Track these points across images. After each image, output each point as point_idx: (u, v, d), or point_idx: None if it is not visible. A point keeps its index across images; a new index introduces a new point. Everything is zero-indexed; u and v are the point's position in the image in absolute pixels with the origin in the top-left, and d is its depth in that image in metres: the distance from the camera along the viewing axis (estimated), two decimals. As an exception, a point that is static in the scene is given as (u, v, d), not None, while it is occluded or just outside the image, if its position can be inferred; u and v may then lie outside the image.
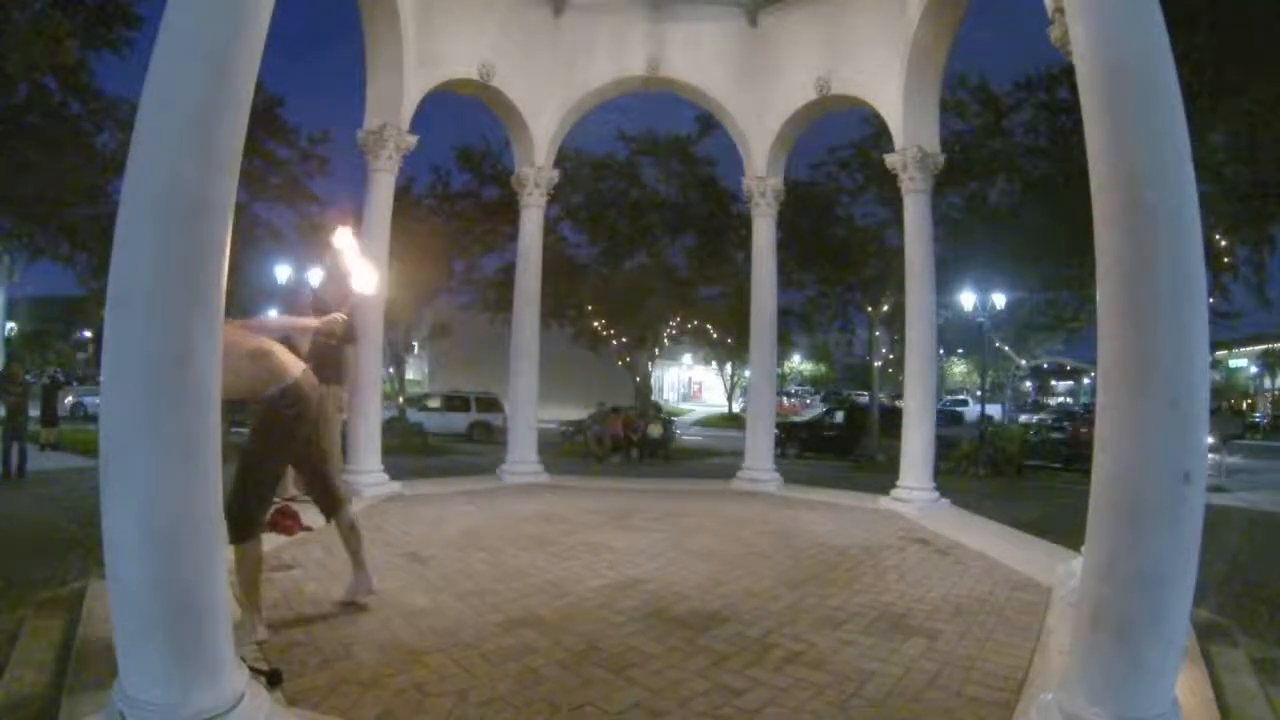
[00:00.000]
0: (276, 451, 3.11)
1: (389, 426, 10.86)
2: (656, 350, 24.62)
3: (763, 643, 3.13)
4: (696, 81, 8.15)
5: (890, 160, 7.06)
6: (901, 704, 2.56)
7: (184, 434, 1.97)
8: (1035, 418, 23.78)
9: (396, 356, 18.44)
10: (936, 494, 6.77)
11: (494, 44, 7.54)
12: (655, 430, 15.74)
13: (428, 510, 6.04)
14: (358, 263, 3.58)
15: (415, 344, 24.75)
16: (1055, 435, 15.65)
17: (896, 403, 17.36)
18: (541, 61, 7.90)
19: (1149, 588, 2.07)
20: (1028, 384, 42.71)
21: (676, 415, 26.51)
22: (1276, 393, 40.59)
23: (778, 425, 11.95)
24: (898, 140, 6.95)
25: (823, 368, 48.15)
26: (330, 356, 6.26)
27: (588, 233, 18.48)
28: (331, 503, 3.45)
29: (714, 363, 37.35)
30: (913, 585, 4.13)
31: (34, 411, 12.08)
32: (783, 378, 40.67)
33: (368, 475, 6.67)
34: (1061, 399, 44.87)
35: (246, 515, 2.94)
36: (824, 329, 21.91)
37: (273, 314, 5.85)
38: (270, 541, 4.59)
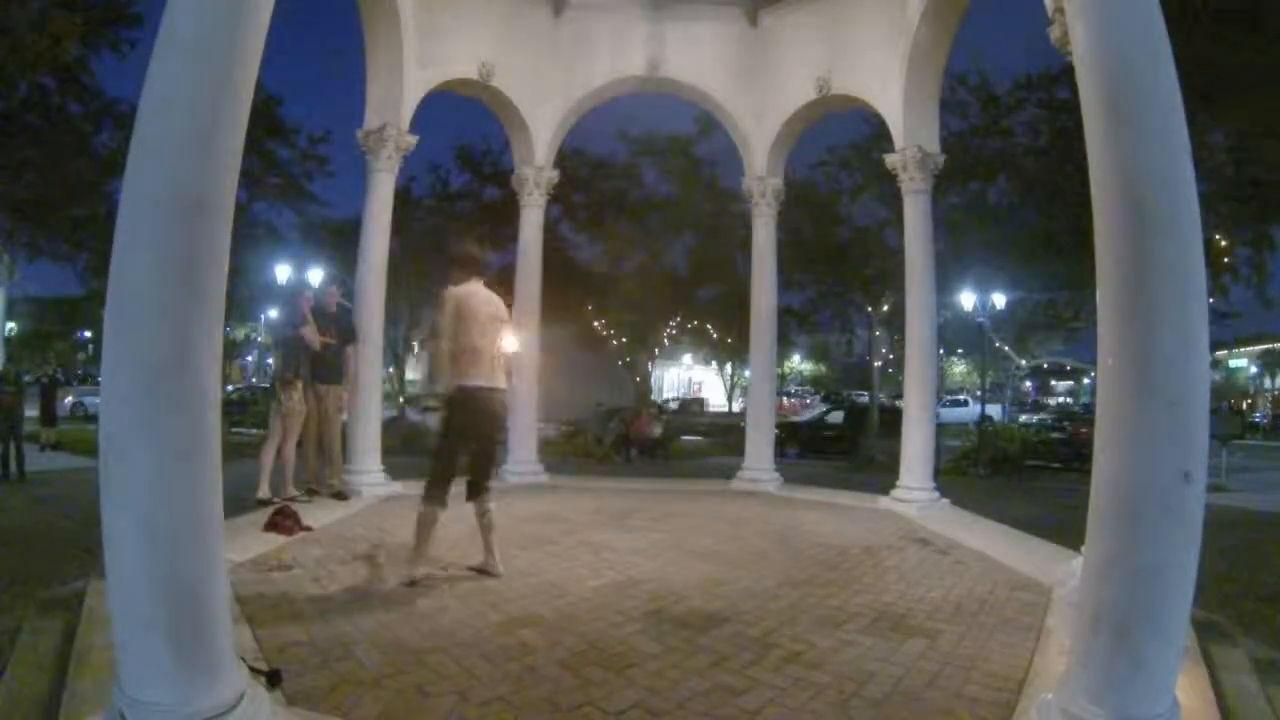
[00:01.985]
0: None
1: (389, 426, 10.86)
2: (656, 350, 24.61)
3: (763, 643, 3.13)
4: (696, 81, 8.14)
5: (890, 160, 7.06)
6: (901, 704, 2.56)
7: (184, 434, 1.97)
8: (1035, 418, 23.76)
9: (396, 356, 18.44)
10: (936, 494, 6.77)
11: (494, 44, 7.54)
12: (655, 430, 15.74)
13: (428, 510, 6.02)
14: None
15: (415, 344, 24.73)
16: (1055, 435, 15.64)
17: (896, 403, 17.36)
18: (541, 61, 7.90)
19: (1149, 587, 2.07)
20: (1028, 384, 42.70)
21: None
22: (1276, 393, 40.60)
23: (778, 425, 11.95)
24: (898, 140, 6.94)
25: (823, 368, 48.14)
26: (331, 356, 6.28)
27: (588, 233, 18.50)
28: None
29: (714, 363, 37.34)
30: (913, 585, 4.13)
31: (32, 411, 12.09)
32: (783, 378, 40.66)
33: (368, 475, 6.67)
34: (1061, 399, 44.84)
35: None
36: (824, 329, 21.91)
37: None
38: (270, 542, 4.62)
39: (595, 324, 21.77)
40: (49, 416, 13.12)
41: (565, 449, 15.76)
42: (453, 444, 4.00)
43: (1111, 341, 2.18)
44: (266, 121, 12.87)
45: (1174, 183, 2.14)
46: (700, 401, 34.37)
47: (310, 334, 5.97)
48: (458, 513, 5.61)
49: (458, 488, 4.07)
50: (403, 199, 12.30)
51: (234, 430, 14.69)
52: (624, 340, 22.33)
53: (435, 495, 3.94)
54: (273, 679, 2.47)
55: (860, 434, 16.66)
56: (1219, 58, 6.94)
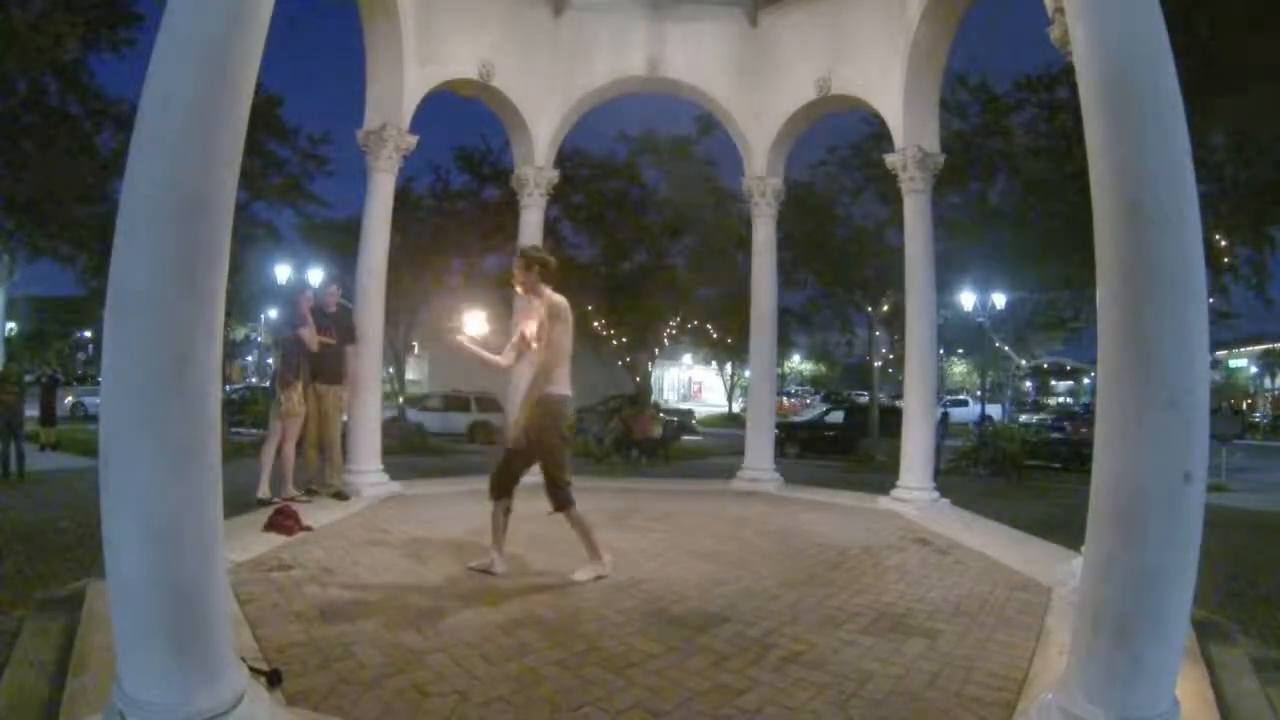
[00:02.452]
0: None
1: (389, 426, 10.86)
2: (656, 350, 24.61)
3: (763, 643, 3.12)
4: (696, 82, 8.14)
5: (890, 160, 7.06)
6: (901, 704, 2.56)
7: (184, 434, 1.97)
8: (1035, 418, 23.76)
9: (396, 356, 18.45)
10: (936, 494, 6.77)
11: (494, 44, 7.54)
12: (655, 430, 15.75)
13: (428, 510, 6.04)
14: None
15: (415, 344, 24.70)
16: (1055, 435, 15.65)
17: (896, 402, 17.36)
18: (541, 61, 7.90)
19: (1149, 587, 2.07)
20: (1028, 384, 42.70)
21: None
22: (1276, 393, 40.60)
23: (778, 425, 11.96)
24: (898, 140, 6.94)
25: (823, 368, 48.16)
26: (331, 356, 6.28)
27: (588, 233, 18.49)
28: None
29: (714, 363, 37.35)
30: (913, 585, 4.13)
31: (32, 411, 12.10)
32: (783, 378, 40.69)
33: (368, 475, 6.66)
34: (1061, 399, 44.84)
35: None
36: (824, 329, 21.92)
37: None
38: (270, 542, 4.62)
39: (595, 324, 21.76)
40: (49, 416, 13.12)
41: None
42: (564, 447, 4.30)
43: (1111, 342, 2.18)
44: (266, 121, 12.87)
45: (1174, 182, 2.14)
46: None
47: (309, 335, 5.96)
48: (458, 511, 5.63)
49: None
50: (403, 199, 12.30)
51: (234, 430, 14.69)
52: (624, 340, 22.32)
53: (570, 495, 4.22)
54: (273, 679, 2.47)
55: (860, 434, 16.67)
56: (1219, 56, 6.95)
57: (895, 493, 6.84)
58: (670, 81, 8.20)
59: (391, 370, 17.96)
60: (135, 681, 1.92)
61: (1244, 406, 35.41)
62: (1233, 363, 42.59)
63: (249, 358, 35.94)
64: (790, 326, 20.55)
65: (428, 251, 16.24)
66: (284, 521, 4.92)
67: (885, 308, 17.24)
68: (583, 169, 16.37)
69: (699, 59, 8.09)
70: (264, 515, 5.05)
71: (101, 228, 10.75)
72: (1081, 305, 15.09)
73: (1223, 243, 10.74)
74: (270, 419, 6.10)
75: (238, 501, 5.30)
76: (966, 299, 16.20)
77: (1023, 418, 24.44)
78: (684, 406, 32.95)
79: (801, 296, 19.03)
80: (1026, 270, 14.87)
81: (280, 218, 15.81)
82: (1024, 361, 25.79)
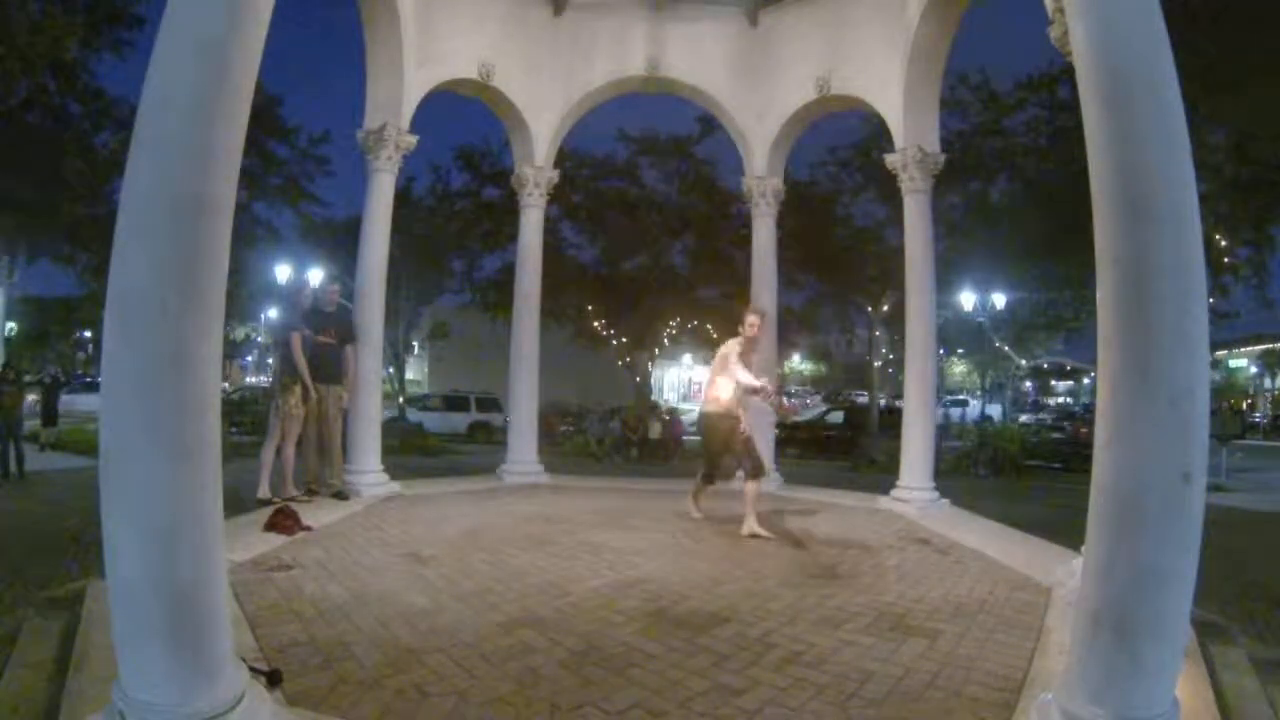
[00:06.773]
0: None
1: (389, 426, 10.85)
2: (656, 350, 24.59)
3: (763, 643, 3.13)
4: (696, 81, 8.14)
5: (890, 160, 7.05)
6: (901, 704, 2.56)
7: (184, 434, 1.97)
8: (1035, 417, 23.75)
9: (396, 356, 18.45)
10: (936, 494, 6.76)
11: (494, 44, 7.54)
12: (655, 430, 15.76)
13: (427, 510, 6.04)
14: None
15: (415, 344, 24.71)
16: (1055, 435, 15.64)
17: (896, 403, 17.35)
18: (542, 61, 7.90)
19: (1149, 588, 2.07)
20: (1028, 384, 42.69)
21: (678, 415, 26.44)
22: (1276, 393, 40.60)
23: (778, 425, 11.95)
24: (898, 140, 6.94)
25: (823, 368, 48.15)
26: (330, 356, 6.28)
27: (588, 233, 18.49)
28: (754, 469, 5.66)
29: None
30: (913, 585, 4.13)
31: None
32: (783, 378, 40.65)
33: (368, 475, 6.67)
34: (1061, 399, 44.84)
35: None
36: (824, 329, 21.89)
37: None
38: (270, 542, 4.62)
39: (595, 324, 21.76)
40: (50, 416, 13.12)
41: (565, 449, 15.76)
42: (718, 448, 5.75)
43: (1111, 341, 2.18)
44: (266, 121, 12.88)
45: (1174, 182, 2.14)
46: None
47: (296, 343, 5.94)
48: (457, 510, 5.61)
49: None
50: (403, 199, 12.31)
51: (233, 430, 14.68)
52: (624, 340, 22.32)
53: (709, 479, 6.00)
54: (273, 679, 2.47)
55: (860, 434, 16.66)
56: (1220, 55, 6.95)
57: (895, 493, 6.84)
58: (670, 81, 8.20)
59: (391, 370, 17.95)
60: (135, 681, 1.92)
61: (1244, 406, 35.37)
62: (1233, 363, 42.58)
63: (249, 358, 35.93)
64: (790, 326, 20.53)
65: (428, 251, 16.25)
66: (284, 521, 4.92)
67: (885, 308, 17.23)
68: (583, 169, 16.37)
69: (699, 59, 8.09)
70: (264, 515, 5.05)
71: (101, 228, 10.76)
72: (1081, 305, 15.09)
73: (1223, 243, 10.74)
74: (270, 419, 6.10)
75: (238, 501, 5.30)
76: (966, 299, 16.21)
77: (1023, 418, 24.43)
78: (686, 406, 33.08)
79: (801, 297, 19.03)
80: (1026, 270, 14.87)
81: (280, 218, 15.84)
82: (1024, 361, 25.76)
